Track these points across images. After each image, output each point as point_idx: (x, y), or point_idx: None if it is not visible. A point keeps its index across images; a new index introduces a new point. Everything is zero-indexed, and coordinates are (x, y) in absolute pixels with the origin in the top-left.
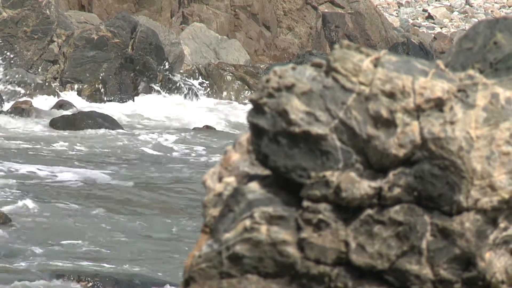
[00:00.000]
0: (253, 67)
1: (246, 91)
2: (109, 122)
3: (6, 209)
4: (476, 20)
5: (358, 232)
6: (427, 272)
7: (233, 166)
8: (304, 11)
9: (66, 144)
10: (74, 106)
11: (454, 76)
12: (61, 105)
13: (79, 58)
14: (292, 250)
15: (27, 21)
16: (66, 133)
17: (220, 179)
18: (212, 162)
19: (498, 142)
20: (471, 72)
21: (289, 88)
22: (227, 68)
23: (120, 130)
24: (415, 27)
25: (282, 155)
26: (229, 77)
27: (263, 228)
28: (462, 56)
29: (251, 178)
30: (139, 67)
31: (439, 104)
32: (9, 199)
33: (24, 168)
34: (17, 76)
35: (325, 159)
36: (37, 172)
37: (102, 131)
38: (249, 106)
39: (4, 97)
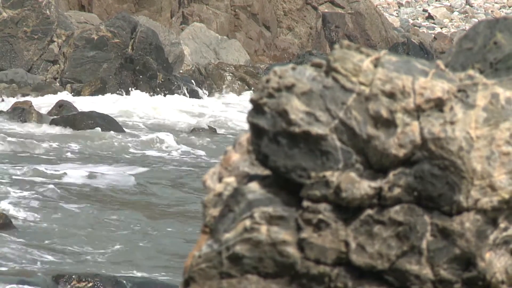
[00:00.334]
0: (253, 67)
1: (246, 91)
2: (109, 123)
3: (6, 209)
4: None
5: (358, 232)
6: (427, 272)
7: (233, 166)
8: (304, 11)
9: (66, 144)
10: (74, 106)
11: (454, 76)
12: (61, 105)
13: (79, 58)
14: (292, 250)
15: (27, 21)
16: (66, 133)
17: (220, 179)
18: (212, 162)
19: (498, 142)
20: (471, 72)
21: (289, 88)
22: (227, 68)
23: (120, 131)
24: (415, 27)
25: (282, 155)
26: (229, 77)
27: (263, 228)
28: (462, 56)
29: (251, 178)
30: (139, 67)
31: (439, 104)
32: (9, 200)
33: (24, 168)
34: (17, 76)
35: (325, 159)
36: (37, 172)
37: (102, 131)
38: (250, 106)
39: (4, 97)
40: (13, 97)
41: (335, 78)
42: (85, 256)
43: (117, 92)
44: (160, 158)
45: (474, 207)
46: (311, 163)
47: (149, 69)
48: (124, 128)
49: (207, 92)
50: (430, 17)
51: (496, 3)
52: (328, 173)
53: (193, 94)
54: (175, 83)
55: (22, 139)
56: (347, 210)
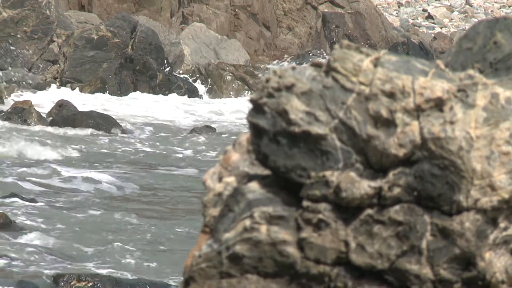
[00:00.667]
0: (253, 67)
1: (246, 91)
2: (109, 122)
3: (6, 209)
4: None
5: (358, 232)
6: (427, 272)
7: (233, 166)
8: (304, 11)
9: (66, 144)
10: (74, 106)
11: (454, 76)
12: (61, 105)
13: (79, 58)
14: (292, 250)
15: (27, 21)
16: (66, 133)
17: (220, 179)
18: (212, 162)
19: (498, 142)
20: (471, 72)
21: (289, 88)
22: (227, 68)
23: (120, 130)
24: (415, 27)
25: (282, 155)
26: (229, 77)
27: (263, 228)
28: (462, 56)
29: (251, 178)
30: (139, 67)
31: (439, 104)
32: (9, 200)
33: (24, 169)
34: (17, 76)
35: (325, 159)
36: (37, 172)
37: (102, 131)
38: (249, 106)
39: (4, 97)
40: (13, 97)
41: (335, 78)
42: (85, 256)
43: (117, 92)
44: (160, 158)
45: (474, 207)
46: (311, 163)
47: (149, 69)
48: (124, 128)
49: (207, 92)
50: (430, 17)
51: (496, 2)
52: (328, 173)
53: (193, 94)
54: (175, 83)
55: (21, 140)
56: (347, 210)
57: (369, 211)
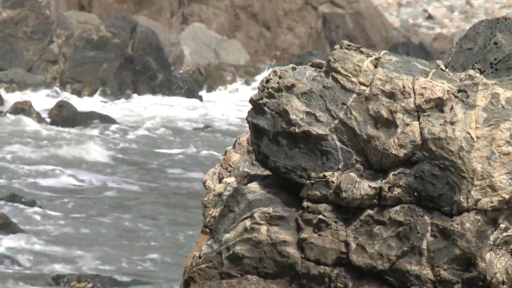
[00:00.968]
0: (253, 67)
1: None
2: (109, 123)
3: (6, 210)
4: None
5: (358, 233)
6: (427, 272)
7: (233, 166)
8: (304, 11)
9: (66, 144)
10: (73, 106)
11: (455, 77)
12: (61, 105)
13: (79, 58)
14: (292, 251)
15: (27, 21)
16: (66, 133)
17: (220, 179)
18: (212, 162)
19: (498, 143)
20: (471, 72)
21: (289, 88)
22: (227, 68)
23: (120, 131)
24: (415, 27)
25: (282, 155)
26: (229, 77)
27: (263, 228)
28: (462, 56)
29: (251, 178)
30: (139, 67)
31: (439, 104)
32: (9, 200)
33: (24, 169)
34: (17, 76)
35: (325, 160)
36: (37, 173)
37: (101, 130)
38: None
39: (3, 97)
40: (13, 97)
41: (335, 78)
42: (85, 257)
43: (117, 92)
44: (160, 158)
45: (475, 208)
46: (311, 163)
47: (149, 69)
48: (124, 128)
49: (207, 92)
50: (430, 17)
51: (496, 3)
52: (328, 173)
53: (193, 94)
54: (175, 83)
55: (21, 140)
56: (347, 210)
57: (369, 211)
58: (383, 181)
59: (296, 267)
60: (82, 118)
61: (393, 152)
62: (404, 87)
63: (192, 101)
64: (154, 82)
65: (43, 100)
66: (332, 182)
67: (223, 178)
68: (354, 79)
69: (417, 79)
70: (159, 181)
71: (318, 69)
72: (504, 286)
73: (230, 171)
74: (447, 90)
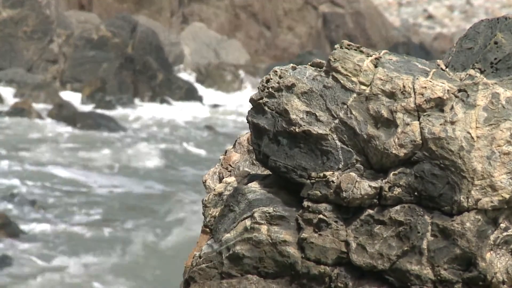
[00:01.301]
0: (253, 67)
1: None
2: (109, 122)
3: (6, 210)
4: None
5: (358, 232)
6: (427, 272)
7: (233, 165)
8: (304, 11)
9: (66, 144)
10: (73, 106)
11: (455, 76)
12: (60, 105)
13: (79, 58)
14: (292, 250)
15: (27, 21)
16: (65, 133)
17: (220, 179)
18: (211, 162)
19: (498, 142)
20: (471, 72)
21: (290, 88)
22: (227, 68)
23: (120, 130)
24: (416, 27)
25: (282, 155)
26: (229, 77)
27: (264, 228)
28: (462, 56)
29: (251, 178)
30: (139, 67)
31: (439, 104)
32: (9, 200)
33: (24, 168)
34: (17, 75)
35: (325, 159)
36: (37, 173)
37: (101, 131)
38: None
39: (4, 97)
40: (13, 97)
41: (336, 78)
42: (86, 256)
43: (117, 92)
44: (160, 159)
45: (475, 207)
46: (311, 163)
47: (149, 69)
48: (123, 128)
49: (207, 92)
50: (430, 16)
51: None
52: (328, 173)
53: (193, 94)
54: (175, 83)
55: (21, 139)
56: (347, 210)
57: (369, 211)
58: (384, 180)
59: (296, 266)
60: (82, 117)
61: (393, 151)
62: (404, 86)
63: (192, 101)
64: (154, 82)
65: (43, 99)
66: (333, 181)
67: (223, 178)
68: (354, 79)
69: (417, 78)
70: (159, 181)
71: (318, 69)
72: (504, 286)
73: (230, 171)
74: (447, 90)
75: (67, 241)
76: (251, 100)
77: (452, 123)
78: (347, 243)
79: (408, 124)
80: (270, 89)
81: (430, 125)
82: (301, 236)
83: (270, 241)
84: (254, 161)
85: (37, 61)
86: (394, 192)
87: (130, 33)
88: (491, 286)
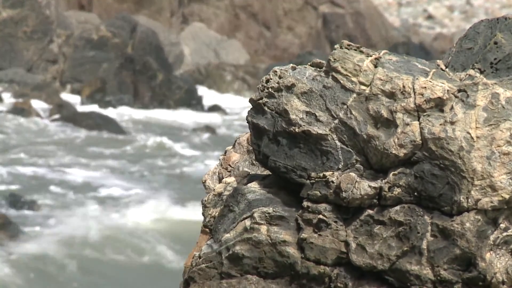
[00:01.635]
0: (253, 67)
1: (246, 91)
2: (109, 123)
3: (6, 210)
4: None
5: (358, 232)
6: (427, 272)
7: (233, 166)
8: (304, 11)
9: (66, 144)
10: (73, 106)
11: (455, 76)
12: (60, 105)
13: (79, 58)
14: (292, 251)
15: (27, 21)
16: (65, 133)
17: (220, 179)
18: (211, 162)
19: (498, 142)
20: (471, 72)
21: (289, 88)
22: (227, 68)
23: (120, 130)
24: (416, 27)
25: (282, 155)
26: (229, 77)
27: (263, 228)
28: (462, 56)
29: (251, 178)
30: (139, 67)
31: (439, 104)
32: (9, 201)
33: (24, 169)
34: (17, 76)
35: (325, 159)
36: (37, 172)
37: (101, 131)
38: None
39: (3, 97)
40: (13, 97)
41: (335, 78)
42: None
43: (117, 92)
44: (160, 159)
45: (475, 207)
46: (311, 163)
47: (149, 69)
48: (123, 128)
49: (207, 92)
50: (430, 17)
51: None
52: (328, 173)
53: (193, 94)
54: (175, 83)
55: (21, 139)
56: (347, 210)
57: (369, 211)
58: (383, 181)
59: (296, 267)
60: (81, 118)
61: (393, 152)
62: (404, 87)
63: (192, 101)
64: (154, 82)
65: (42, 99)
66: (332, 182)
67: (223, 178)
68: (354, 79)
69: (417, 79)
70: (159, 181)
71: (318, 69)
72: (504, 286)
73: (230, 171)
74: (447, 90)
75: (67, 241)
76: (251, 100)
77: (452, 123)
78: (346, 243)
79: (408, 124)
80: (270, 89)
81: (430, 125)
82: (301, 236)
83: (270, 241)
84: (254, 161)
85: (37, 61)
86: (394, 192)
87: (130, 33)
88: (491, 286)
